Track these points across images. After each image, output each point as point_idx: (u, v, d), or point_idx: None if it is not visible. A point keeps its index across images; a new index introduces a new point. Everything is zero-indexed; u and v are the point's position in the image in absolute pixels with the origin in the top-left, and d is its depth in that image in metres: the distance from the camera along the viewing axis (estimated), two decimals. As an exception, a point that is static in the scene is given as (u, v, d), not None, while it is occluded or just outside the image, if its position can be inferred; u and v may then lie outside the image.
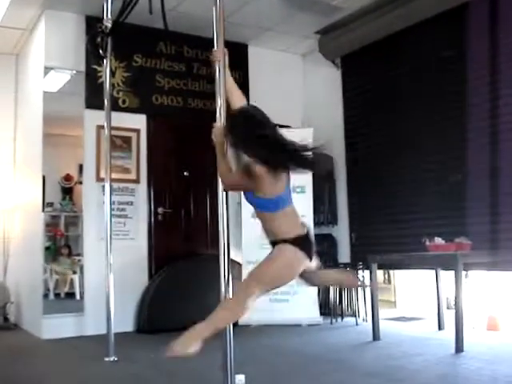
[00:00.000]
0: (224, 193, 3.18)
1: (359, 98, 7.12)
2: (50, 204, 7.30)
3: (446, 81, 5.97)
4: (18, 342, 5.91)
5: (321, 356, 4.75)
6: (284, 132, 3.00)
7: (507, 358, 4.43)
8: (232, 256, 3.25)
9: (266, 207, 2.99)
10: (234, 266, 3.23)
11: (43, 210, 6.52)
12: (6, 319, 6.70)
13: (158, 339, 5.65)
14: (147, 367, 4.45)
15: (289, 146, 2.90)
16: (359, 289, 6.66)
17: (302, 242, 2.96)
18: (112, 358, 4.71)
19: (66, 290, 7.08)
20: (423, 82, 6.24)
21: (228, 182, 3.10)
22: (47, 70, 6.34)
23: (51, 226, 7.35)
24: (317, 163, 3.02)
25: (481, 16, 5.51)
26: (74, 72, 6.53)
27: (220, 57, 3.24)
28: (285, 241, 2.93)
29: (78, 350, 5.45)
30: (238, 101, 3.29)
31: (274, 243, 3.02)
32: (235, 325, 3.15)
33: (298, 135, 6.76)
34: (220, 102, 3.21)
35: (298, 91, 7.95)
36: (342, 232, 7.26)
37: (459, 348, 4.59)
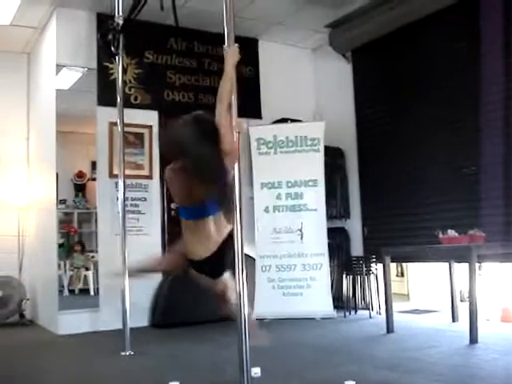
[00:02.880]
0: (238, 187, 3.17)
1: (370, 92, 7.11)
2: (63, 201, 7.36)
3: (458, 73, 5.95)
4: (35, 338, 5.97)
5: (335, 348, 4.76)
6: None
7: (522, 349, 4.42)
8: (245, 250, 3.26)
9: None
10: (248, 260, 3.24)
11: (57, 207, 6.56)
12: (21, 315, 6.77)
13: (173, 333, 5.72)
14: (163, 361, 4.48)
15: None
16: (372, 281, 6.67)
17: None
18: (128, 353, 4.75)
19: (80, 286, 7.14)
20: (435, 74, 6.21)
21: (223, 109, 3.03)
22: (59, 67, 6.39)
23: (64, 222, 7.41)
24: None
25: (492, 6, 5.48)
26: (86, 69, 6.57)
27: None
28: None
29: (94, 344, 5.49)
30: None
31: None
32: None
33: (309, 129, 6.84)
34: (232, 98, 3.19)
35: (309, 85, 7.94)
36: (354, 225, 7.27)
37: (473, 339, 4.59)
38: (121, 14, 5.13)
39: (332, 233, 6.99)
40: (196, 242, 3.12)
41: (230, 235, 3.13)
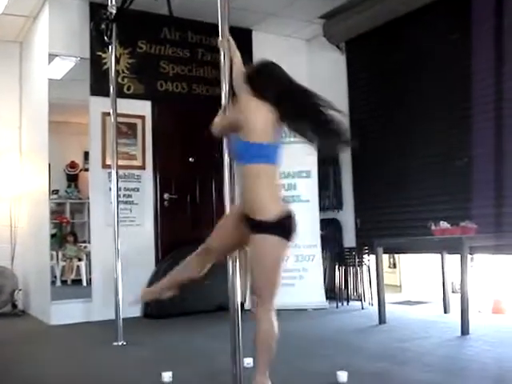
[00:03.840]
0: (230, 177, 3.17)
1: (364, 83, 7.11)
2: (56, 191, 7.34)
3: (451, 64, 5.95)
4: (27, 328, 5.97)
5: (327, 339, 4.78)
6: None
7: (513, 341, 4.45)
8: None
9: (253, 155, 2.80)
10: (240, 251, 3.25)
11: (49, 198, 6.54)
12: (14, 306, 6.75)
13: (166, 324, 5.73)
14: (156, 351, 4.49)
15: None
16: (365, 272, 6.69)
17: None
18: (121, 343, 4.75)
19: (73, 276, 7.14)
20: (428, 65, 6.21)
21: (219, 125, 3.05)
22: (52, 57, 6.35)
23: (57, 213, 7.39)
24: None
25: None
26: (79, 59, 6.54)
27: (225, 45, 3.23)
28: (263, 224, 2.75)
29: (87, 335, 5.50)
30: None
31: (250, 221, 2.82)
32: (243, 310, 3.17)
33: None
34: (225, 88, 3.20)
35: (303, 76, 7.87)
36: (347, 217, 7.28)
37: (465, 331, 4.62)
38: (114, 3, 5.08)
39: (325, 224, 7.00)
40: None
41: None
